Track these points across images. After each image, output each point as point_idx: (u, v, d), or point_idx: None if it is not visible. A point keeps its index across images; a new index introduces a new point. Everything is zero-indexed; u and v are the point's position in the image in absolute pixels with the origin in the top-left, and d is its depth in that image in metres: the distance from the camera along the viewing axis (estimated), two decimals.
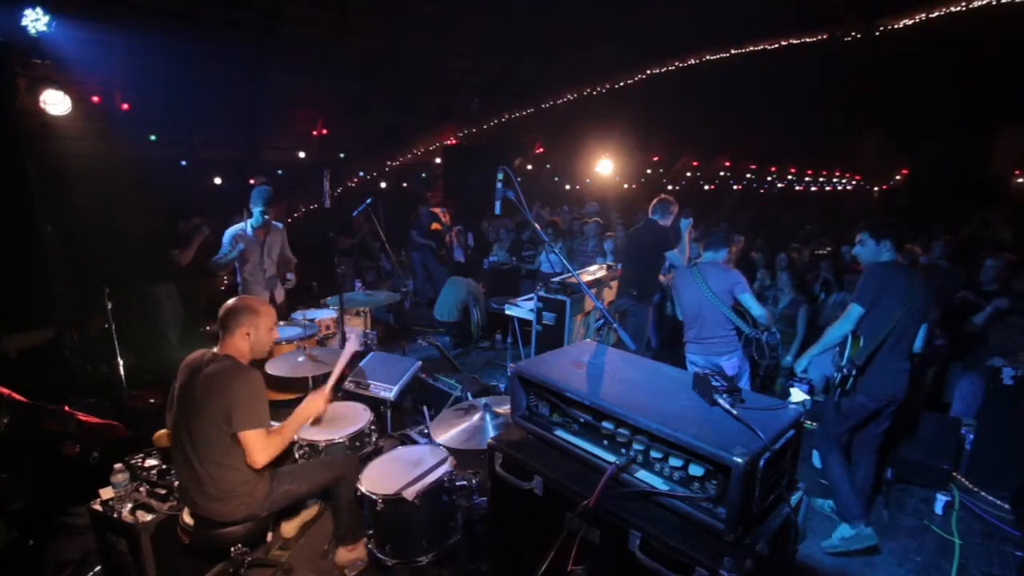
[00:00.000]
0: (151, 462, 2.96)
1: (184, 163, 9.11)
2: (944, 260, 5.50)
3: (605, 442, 1.82)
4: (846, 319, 3.07)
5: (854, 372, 3.06)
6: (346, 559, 2.84)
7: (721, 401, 1.67)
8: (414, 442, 3.42)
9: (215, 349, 2.52)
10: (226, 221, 6.71)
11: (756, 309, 3.80)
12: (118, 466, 2.75)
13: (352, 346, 2.96)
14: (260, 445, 2.38)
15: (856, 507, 3.21)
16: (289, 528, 3.07)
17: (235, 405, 2.33)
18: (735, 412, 1.62)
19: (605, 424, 1.77)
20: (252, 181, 9.32)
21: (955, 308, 4.73)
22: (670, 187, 20.90)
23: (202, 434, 2.36)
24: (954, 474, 3.94)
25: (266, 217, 4.54)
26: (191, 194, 8.40)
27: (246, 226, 4.51)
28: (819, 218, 12.18)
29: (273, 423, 2.80)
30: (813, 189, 26.74)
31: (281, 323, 4.62)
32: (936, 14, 7.58)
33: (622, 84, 11.18)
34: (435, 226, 8.49)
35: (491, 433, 2.74)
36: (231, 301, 2.56)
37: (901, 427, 3.96)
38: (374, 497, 2.59)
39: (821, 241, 8.29)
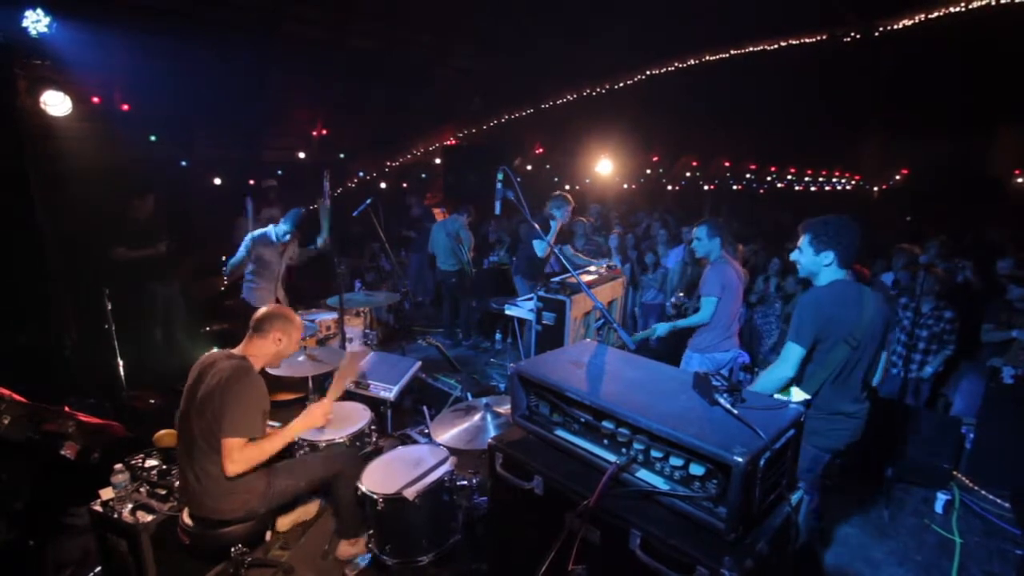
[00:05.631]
0: (151, 462, 2.97)
1: (184, 163, 9.12)
2: (940, 260, 5.49)
3: (605, 441, 1.82)
4: (783, 362, 2.51)
5: None
6: (347, 552, 2.85)
7: (721, 400, 1.67)
8: (414, 442, 3.42)
9: (233, 349, 2.56)
10: (227, 221, 6.72)
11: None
12: (118, 466, 2.75)
13: (354, 347, 2.98)
14: (235, 455, 2.34)
15: None
16: (284, 522, 3.07)
17: (227, 407, 2.35)
18: (735, 411, 1.62)
19: (605, 424, 1.77)
20: (252, 182, 9.32)
21: (973, 312, 4.61)
22: (669, 187, 20.93)
23: (203, 430, 2.38)
24: (954, 473, 3.94)
25: (288, 237, 4.88)
26: (191, 194, 8.40)
27: (271, 233, 4.80)
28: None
29: (274, 423, 2.81)
30: (813, 189, 26.74)
31: None
32: (936, 14, 7.58)
33: (622, 84, 11.18)
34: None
35: (491, 433, 2.74)
36: (271, 307, 2.67)
37: (901, 427, 3.97)
38: (374, 497, 2.59)
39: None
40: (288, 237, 4.89)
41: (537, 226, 3.12)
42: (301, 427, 2.65)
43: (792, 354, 2.49)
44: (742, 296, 3.98)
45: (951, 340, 4.34)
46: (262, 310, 2.63)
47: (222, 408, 2.34)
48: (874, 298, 2.53)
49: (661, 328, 4.10)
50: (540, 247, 5.44)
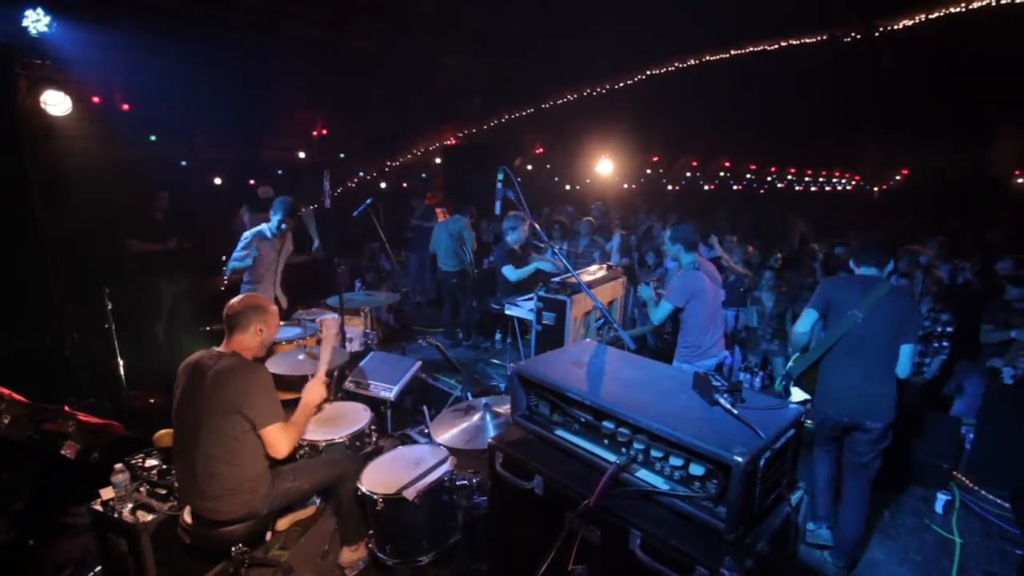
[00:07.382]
0: (151, 462, 2.96)
1: (184, 163, 9.12)
2: (940, 260, 5.47)
3: (606, 441, 1.82)
4: (800, 321, 3.08)
5: (791, 384, 3.09)
6: (349, 559, 2.84)
7: (721, 400, 1.67)
8: (414, 442, 3.42)
9: (218, 348, 2.53)
10: (226, 221, 6.72)
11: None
12: (118, 466, 2.75)
13: (332, 330, 3.02)
14: (282, 437, 2.47)
15: (821, 507, 3.31)
16: (283, 522, 3.06)
17: (252, 402, 2.36)
18: (735, 411, 1.62)
19: (605, 424, 1.77)
20: (252, 182, 9.31)
21: (973, 313, 4.56)
22: (670, 187, 20.93)
23: (212, 432, 2.36)
24: (954, 473, 3.94)
25: (283, 227, 4.76)
26: (191, 194, 8.40)
27: (265, 229, 4.71)
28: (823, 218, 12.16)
29: None
30: (813, 189, 26.73)
31: (282, 323, 4.66)
32: (936, 15, 7.59)
33: (622, 84, 11.19)
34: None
35: (491, 433, 2.73)
36: (240, 300, 2.58)
37: (901, 426, 3.96)
38: (374, 497, 2.58)
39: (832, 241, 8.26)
40: (284, 227, 4.73)
41: (537, 226, 3.12)
42: (310, 403, 2.78)
43: (807, 315, 3.04)
44: (718, 301, 3.81)
45: (946, 344, 4.30)
46: (233, 306, 2.54)
47: (245, 403, 2.35)
48: (882, 288, 2.93)
49: (644, 290, 4.00)
50: (512, 273, 5.20)
